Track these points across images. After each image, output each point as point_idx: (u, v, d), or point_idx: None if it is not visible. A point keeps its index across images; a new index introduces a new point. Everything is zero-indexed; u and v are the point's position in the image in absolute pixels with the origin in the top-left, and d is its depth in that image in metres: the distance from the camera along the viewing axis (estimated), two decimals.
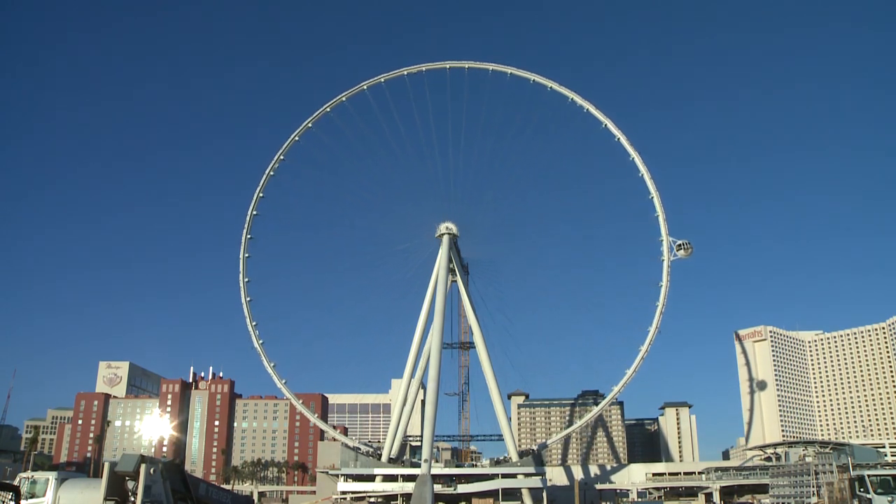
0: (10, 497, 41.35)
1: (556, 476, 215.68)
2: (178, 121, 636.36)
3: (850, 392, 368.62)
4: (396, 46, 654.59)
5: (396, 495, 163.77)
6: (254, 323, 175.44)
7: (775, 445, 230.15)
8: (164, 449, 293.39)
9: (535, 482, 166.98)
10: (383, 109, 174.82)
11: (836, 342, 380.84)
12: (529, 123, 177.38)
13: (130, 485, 42.06)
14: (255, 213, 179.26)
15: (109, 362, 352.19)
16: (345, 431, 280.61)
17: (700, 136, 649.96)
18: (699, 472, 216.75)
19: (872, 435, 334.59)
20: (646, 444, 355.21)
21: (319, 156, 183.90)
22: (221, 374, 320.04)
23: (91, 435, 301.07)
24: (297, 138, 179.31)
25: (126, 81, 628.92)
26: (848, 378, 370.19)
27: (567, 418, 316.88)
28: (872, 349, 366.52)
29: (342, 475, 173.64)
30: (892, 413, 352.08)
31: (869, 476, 51.48)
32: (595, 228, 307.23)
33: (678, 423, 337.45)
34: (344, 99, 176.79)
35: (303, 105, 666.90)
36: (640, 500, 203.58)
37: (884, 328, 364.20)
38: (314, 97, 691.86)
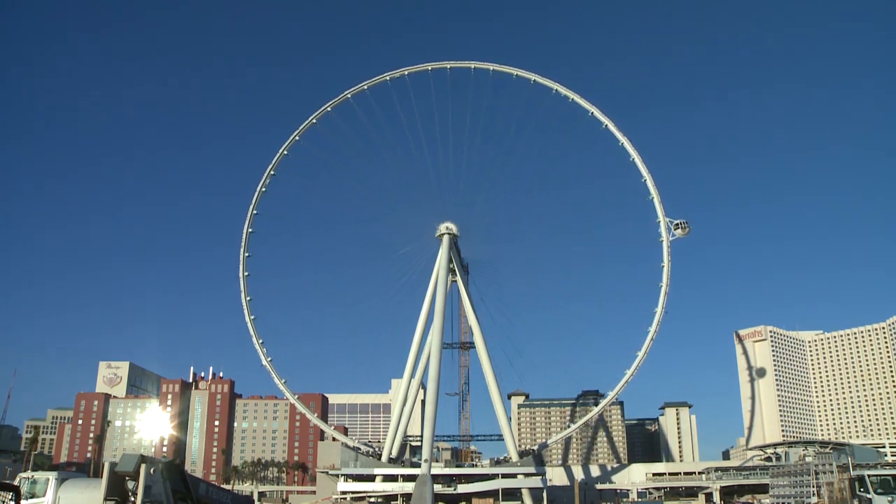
0: (10, 497, 41.39)
1: (556, 476, 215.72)
2: (178, 120, 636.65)
3: (850, 392, 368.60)
4: (396, 46, 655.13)
5: (396, 495, 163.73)
6: (252, 317, 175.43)
7: (775, 445, 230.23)
8: (164, 449, 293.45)
9: (536, 482, 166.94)
10: (385, 109, 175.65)
11: (836, 342, 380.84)
12: (530, 124, 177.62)
13: (130, 485, 42.03)
14: (255, 211, 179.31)
15: (109, 362, 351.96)
16: (345, 431, 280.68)
17: (700, 135, 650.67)
18: (699, 472, 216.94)
19: (872, 435, 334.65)
20: (646, 444, 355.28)
21: (321, 154, 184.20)
22: (221, 374, 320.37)
23: (91, 435, 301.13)
24: (297, 137, 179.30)
25: (125, 81, 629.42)
26: (848, 378, 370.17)
27: (567, 418, 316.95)
28: (872, 349, 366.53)
29: (342, 475, 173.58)
30: (892, 413, 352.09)
31: (869, 476, 51.45)
32: (595, 228, 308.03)
33: (678, 423, 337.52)
34: (349, 96, 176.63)
35: (303, 104, 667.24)
36: (640, 500, 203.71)
37: (884, 328, 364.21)
38: (315, 96, 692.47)
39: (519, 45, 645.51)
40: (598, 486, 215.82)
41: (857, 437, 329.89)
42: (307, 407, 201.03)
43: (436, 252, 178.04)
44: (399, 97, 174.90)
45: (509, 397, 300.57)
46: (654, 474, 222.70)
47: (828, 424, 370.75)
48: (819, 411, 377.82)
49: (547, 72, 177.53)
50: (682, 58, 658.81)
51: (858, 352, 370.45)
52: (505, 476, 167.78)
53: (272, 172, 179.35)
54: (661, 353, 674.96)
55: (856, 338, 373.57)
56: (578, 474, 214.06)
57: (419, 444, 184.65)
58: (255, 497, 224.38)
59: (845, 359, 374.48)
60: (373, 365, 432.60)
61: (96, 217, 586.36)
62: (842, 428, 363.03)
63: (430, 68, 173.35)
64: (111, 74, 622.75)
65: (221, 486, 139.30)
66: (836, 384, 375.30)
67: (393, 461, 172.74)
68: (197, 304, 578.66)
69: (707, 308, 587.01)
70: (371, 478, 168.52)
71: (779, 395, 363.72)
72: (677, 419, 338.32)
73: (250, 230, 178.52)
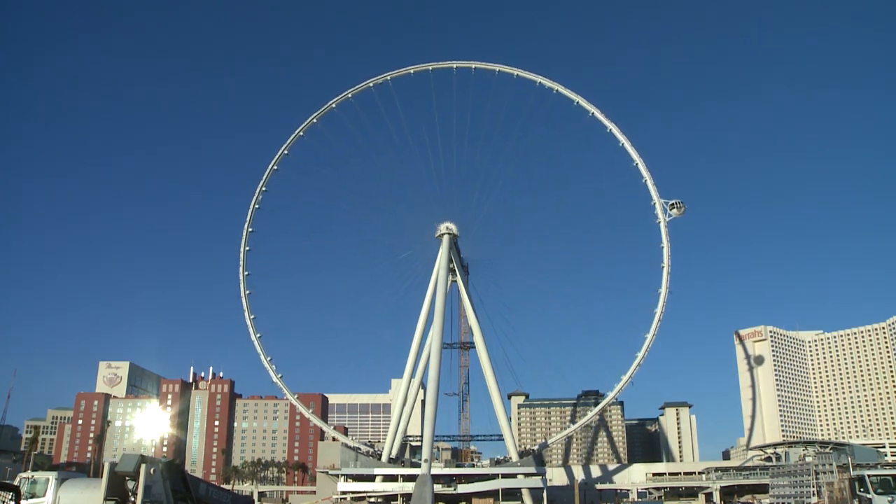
0: (10, 497, 41.36)
1: (556, 476, 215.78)
2: (178, 119, 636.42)
3: (850, 392, 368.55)
4: (396, 46, 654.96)
5: (396, 495, 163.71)
6: (252, 316, 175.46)
7: (775, 445, 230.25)
8: (165, 449, 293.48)
9: (536, 482, 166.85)
10: (388, 107, 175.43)
11: (836, 342, 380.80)
12: (530, 124, 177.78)
13: (130, 485, 42.05)
14: (257, 206, 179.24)
15: (109, 362, 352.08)
16: (345, 431, 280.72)
17: (699, 135, 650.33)
18: (699, 472, 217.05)
19: (872, 435, 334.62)
20: (646, 444, 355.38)
21: (322, 153, 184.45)
22: (221, 374, 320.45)
23: (91, 435, 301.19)
24: (301, 134, 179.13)
25: (125, 80, 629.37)
26: (848, 378, 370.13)
27: (567, 418, 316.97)
28: (872, 349, 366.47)
29: (342, 475, 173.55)
30: (892, 413, 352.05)
31: (869, 476, 51.36)
32: (595, 228, 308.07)
33: (678, 423, 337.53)
34: (350, 96, 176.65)
35: (304, 104, 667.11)
36: (640, 500, 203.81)
37: (884, 328, 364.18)
38: (315, 96, 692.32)
39: (517, 45, 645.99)
40: (599, 487, 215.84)
41: (857, 437, 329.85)
42: (307, 407, 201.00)
43: (436, 252, 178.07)
44: (402, 97, 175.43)
45: (509, 397, 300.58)
46: (654, 474, 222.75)
47: (828, 424, 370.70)
48: (819, 411, 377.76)
49: (541, 69, 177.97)
50: (682, 58, 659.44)
51: (858, 352, 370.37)
52: (505, 476, 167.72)
53: (275, 168, 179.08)
54: (661, 353, 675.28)
55: (856, 338, 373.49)
56: (579, 474, 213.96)
57: (419, 444, 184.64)
58: (255, 497, 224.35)
59: (845, 359, 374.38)
60: (373, 365, 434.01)
61: (96, 217, 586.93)
62: (842, 428, 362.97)
63: (431, 68, 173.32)
64: (111, 74, 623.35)
65: (221, 486, 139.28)
66: (836, 384, 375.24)
67: (393, 461, 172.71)
68: (197, 303, 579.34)
69: (707, 308, 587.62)
70: (371, 478, 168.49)
71: (779, 395, 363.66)
72: (677, 419, 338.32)
73: (250, 229, 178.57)
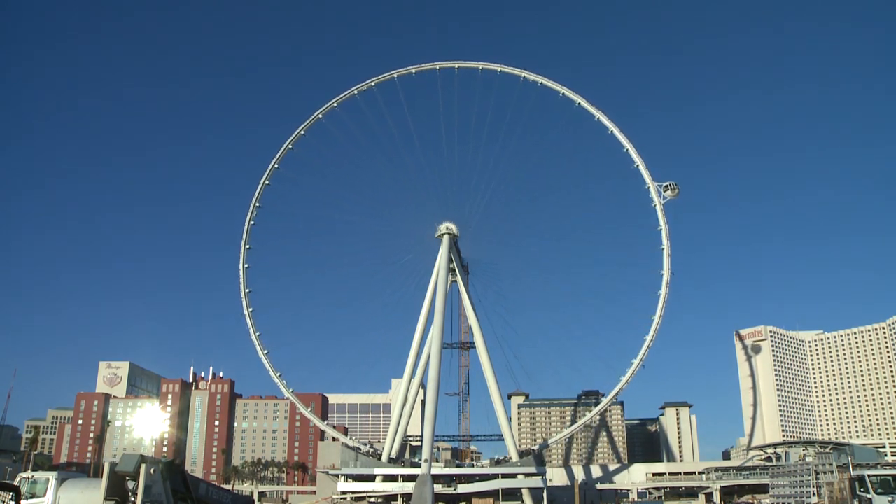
0: (10, 497, 41.34)
1: (556, 476, 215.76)
2: (178, 119, 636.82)
3: (850, 392, 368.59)
4: (395, 46, 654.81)
5: (396, 495, 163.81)
6: (251, 309, 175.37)
7: (775, 445, 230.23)
8: (165, 449, 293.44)
9: (536, 482, 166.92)
10: (391, 106, 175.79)
11: (836, 342, 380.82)
12: (530, 124, 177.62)
13: (130, 485, 42.06)
14: (258, 204, 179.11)
15: (109, 362, 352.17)
16: (345, 431, 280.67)
17: (699, 135, 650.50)
18: (699, 472, 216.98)
19: (872, 435, 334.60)
20: (646, 444, 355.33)
21: (324, 151, 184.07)
22: (221, 374, 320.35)
23: (91, 435, 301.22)
24: (302, 132, 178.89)
25: (125, 80, 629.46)
26: (848, 378, 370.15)
27: (567, 418, 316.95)
28: (872, 349, 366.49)
29: (342, 475, 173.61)
30: (892, 413, 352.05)
31: (869, 476, 51.32)
32: (595, 228, 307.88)
33: (678, 423, 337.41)
34: (356, 93, 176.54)
35: (304, 104, 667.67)
36: (640, 500, 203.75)
37: (884, 328, 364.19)
38: (315, 96, 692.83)
39: (515, 44, 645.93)
40: (599, 487, 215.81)
41: (857, 437, 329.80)
42: (307, 407, 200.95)
43: (436, 252, 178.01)
44: (405, 96, 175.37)
45: (509, 397, 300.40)
46: (654, 474, 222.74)
47: (828, 424, 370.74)
48: (819, 411, 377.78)
49: (540, 69, 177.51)
50: (682, 58, 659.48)
51: (858, 352, 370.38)
52: (505, 476, 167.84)
53: (276, 166, 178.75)
54: (661, 354, 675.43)
55: (856, 338, 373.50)
56: (579, 474, 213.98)
57: (419, 444, 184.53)
58: (255, 497, 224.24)
59: (845, 359, 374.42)
60: (373, 365, 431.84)
61: (96, 217, 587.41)
62: (842, 428, 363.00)
63: (438, 67, 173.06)
64: (111, 74, 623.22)
65: (221, 486, 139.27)
66: (836, 384, 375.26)
67: (393, 461, 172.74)
68: (197, 303, 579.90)
69: (707, 308, 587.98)
70: (371, 478, 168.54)
71: (779, 395, 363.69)
72: (677, 419, 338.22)
73: (252, 223, 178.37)
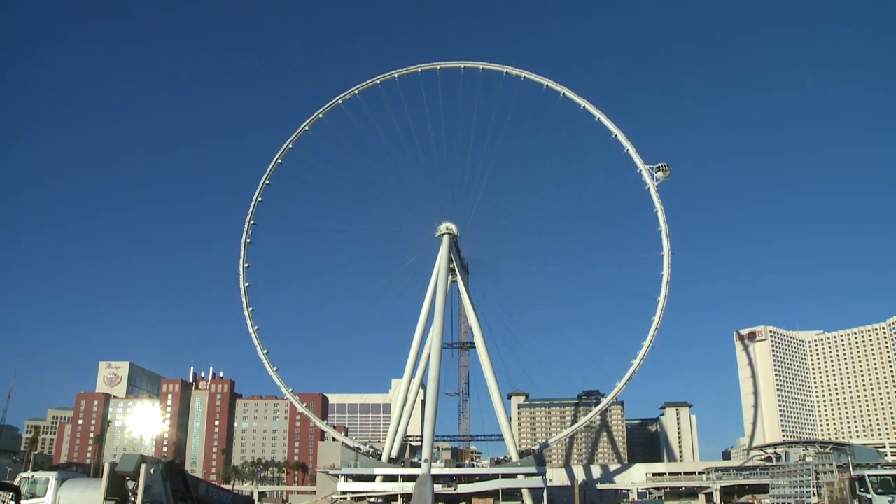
0: (10, 497, 41.34)
1: (556, 476, 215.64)
2: (178, 119, 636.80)
3: (850, 392, 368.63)
4: (395, 46, 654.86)
5: (396, 495, 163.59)
6: (251, 308, 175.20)
7: (775, 445, 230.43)
8: (165, 449, 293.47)
9: (536, 482, 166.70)
10: (393, 105, 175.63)
11: (836, 342, 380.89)
12: (531, 124, 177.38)
13: (130, 485, 42.06)
14: (259, 199, 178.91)
15: (109, 362, 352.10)
16: (345, 431, 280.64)
17: (699, 135, 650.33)
18: (699, 472, 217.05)
19: (872, 435, 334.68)
20: (646, 444, 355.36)
21: (325, 150, 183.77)
22: (222, 374, 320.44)
23: (91, 435, 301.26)
24: (307, 128, 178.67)
25: (125, 80, 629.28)
26: (848, 378, 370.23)
27: (567, 418, 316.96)
28: (872, 349, 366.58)
29: (342, 475, 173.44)
30: (892, 413, 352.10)
31: (869, 476, 51.31)
32: (595, 228, 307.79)
33: (678, 423, 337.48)
34: (357, 92, 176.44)
35: (304, 104, 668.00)
36: (640, 500, 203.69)
37: (884, 328, 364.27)
38: (315, 96, 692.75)
39: (514, 44, 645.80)
40: (599, 487, 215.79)
41: (857, 437, 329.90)
42: (307, 407, 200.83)
43: (436, 252, 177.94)
44: (406, 95, 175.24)
45: (509, 397, 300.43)
46: (654, 474, 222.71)
47: (828, 424, 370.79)
48: (819, 411, 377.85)
49: (541, 69, 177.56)
50: (682, 58, 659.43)
51: (858, 352, 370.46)
52: (505, 476, 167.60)
53: (279, 161, 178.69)
54: (661, 354, 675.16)
55: (856, 338, 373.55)
56: (579, 474, 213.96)
57: (419, 444, 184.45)
58: (255, 497, 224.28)
59: (845, 359, 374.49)
60: (373, 365, 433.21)
61: (96, 217, 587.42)
62: (842, 428, 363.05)
63: (439, 67, 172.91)
64: (111, 74, 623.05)
65: (221, 486, 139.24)
66: (836, 384, 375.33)
67: (393, 461, 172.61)
68: (197, 303, 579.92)
69: (707, 308, 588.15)
70: (371, 478, 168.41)
71: (779, 395, 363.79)
72: (678, 419, 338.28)
73: (252, 222, 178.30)
